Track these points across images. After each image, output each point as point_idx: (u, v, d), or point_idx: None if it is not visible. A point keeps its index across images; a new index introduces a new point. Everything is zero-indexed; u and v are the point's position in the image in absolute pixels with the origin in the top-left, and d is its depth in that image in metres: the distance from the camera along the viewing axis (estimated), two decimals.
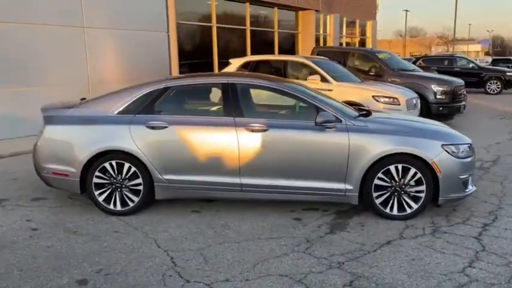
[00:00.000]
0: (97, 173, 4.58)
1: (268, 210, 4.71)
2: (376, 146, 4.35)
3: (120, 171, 4.56)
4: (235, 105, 4.57)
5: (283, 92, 4.68)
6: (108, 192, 4.60)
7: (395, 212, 4.43)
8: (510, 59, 32.58)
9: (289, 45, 19.83)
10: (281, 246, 3.86)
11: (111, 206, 4.61)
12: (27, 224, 4.43)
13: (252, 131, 4.44)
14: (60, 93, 8.80)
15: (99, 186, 4.61)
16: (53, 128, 4.71)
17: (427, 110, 10.00)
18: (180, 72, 12.96)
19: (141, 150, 4.51)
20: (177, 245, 3.90)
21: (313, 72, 9.20)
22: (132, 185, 4.59)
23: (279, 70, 9.93)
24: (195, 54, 14.70)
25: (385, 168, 4.37)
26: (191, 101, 5.16)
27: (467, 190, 4.55)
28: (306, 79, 8.98)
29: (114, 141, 4.56)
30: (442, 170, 4.33)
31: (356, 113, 4.78)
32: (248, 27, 16.50)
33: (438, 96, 10.27)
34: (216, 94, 4.94)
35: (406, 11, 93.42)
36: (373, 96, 8.73)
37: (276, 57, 10.84)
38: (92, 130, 4.62)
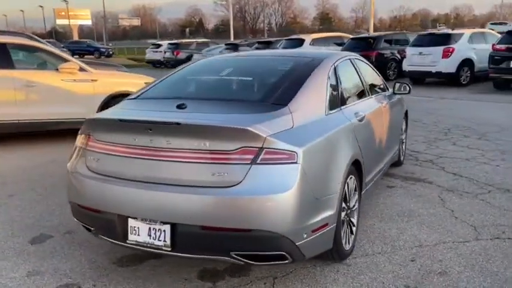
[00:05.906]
0: (343, 204, 2.88)
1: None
2: (403, 108, 5.23)
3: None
4: (363, 82, 4.05)
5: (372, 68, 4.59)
6: (344, 228, 2.99)
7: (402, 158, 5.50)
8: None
9: None
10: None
11: (346, 246, 3.04)
12: None
13: (385, 106, 4.21)
14: None
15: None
16: (308, 151, 2.45)
17: None
18: None
19: (362, 152, 3.24)
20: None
21: (60, 59, 6.89)
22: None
23: None
24: None
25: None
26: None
27: None
28: (44, 69, 6.80)
29: (351, 148, 3.01)
30: None
31: None
32: None
33: None
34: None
35: None
36: (146, 83, 7.83)
37: None
38: (336, 141, 2.86)
